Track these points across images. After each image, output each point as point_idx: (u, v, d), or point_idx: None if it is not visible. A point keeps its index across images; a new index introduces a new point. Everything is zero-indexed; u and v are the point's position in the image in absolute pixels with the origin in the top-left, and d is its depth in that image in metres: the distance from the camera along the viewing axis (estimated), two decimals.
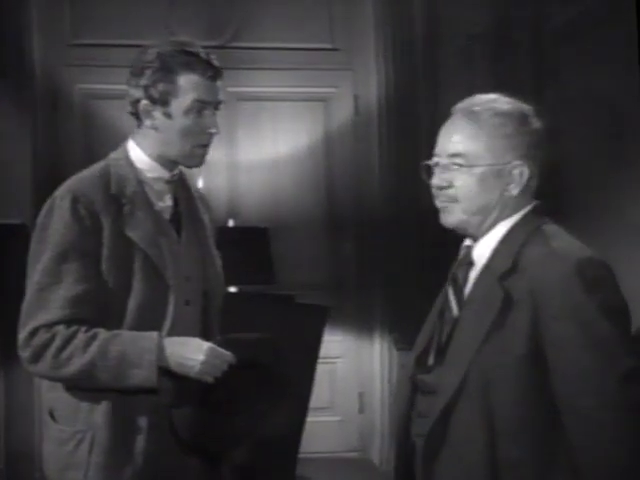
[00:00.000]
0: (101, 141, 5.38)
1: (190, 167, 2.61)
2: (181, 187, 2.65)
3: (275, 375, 2.53)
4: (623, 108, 3.74)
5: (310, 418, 4.96)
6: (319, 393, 5.34)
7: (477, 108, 2.21)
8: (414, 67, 5.70)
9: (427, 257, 5.56)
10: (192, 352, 2.41)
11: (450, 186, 2.21)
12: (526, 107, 2.23)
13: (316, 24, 5.89)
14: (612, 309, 2.06)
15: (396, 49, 5.80)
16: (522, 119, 2.20)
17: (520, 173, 2.18)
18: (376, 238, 5.87)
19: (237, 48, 5.56)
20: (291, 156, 5.89)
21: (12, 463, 5.21)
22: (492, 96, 2.25)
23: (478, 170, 2.18)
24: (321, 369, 5.15)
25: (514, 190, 2.18)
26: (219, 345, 2.45)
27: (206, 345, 2.43)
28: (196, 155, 2.56)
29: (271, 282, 5.30)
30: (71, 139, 5.61)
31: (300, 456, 4.93)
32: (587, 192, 3.91)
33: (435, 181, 2.23)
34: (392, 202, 5.78)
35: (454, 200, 2.21)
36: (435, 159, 2.23)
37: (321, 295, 5.66)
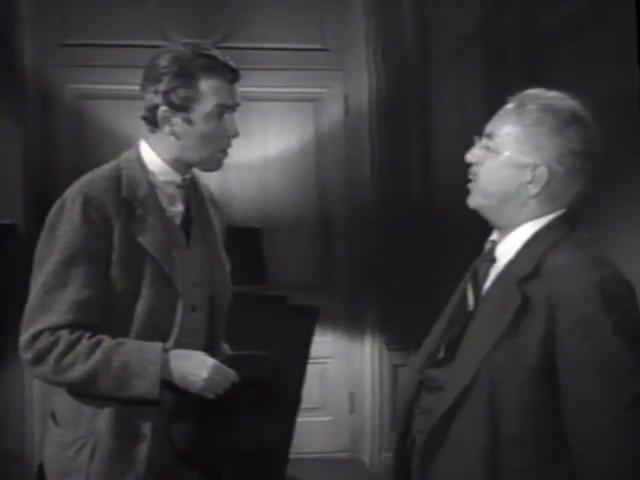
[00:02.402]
0: (92, 141, 5.37)
1: (209, 171, 2.58)
2: (193, 190, 2.61)
3: (275, 392, 2.52)
4: (621, 109, 3.73)
5: (301, 418, 4.96)
6: (310, 393, 5.34)
7: (528, 98, 2.18)
8: (405, 67, 5.71)
9: (418, 258, 5.56)
10: (196, 368, 2.39)
11: (477, 164, 2.21)
12: (583, 114, 2.17)
13: (307, 24, 5.89)
14: (628, 330, 2.02)
15: (387, 50, 5.80)
16: (567, 122, 2.14)
17: (540, 175, 2.14)
18: (367, 239, 5.88)
19: (227, 48, 5.52)
20: (281, 156, 5.89)
21: (4, 463, 5.19)
22: (552, 93, 2.20)
23: (502, 157, 2.17)
24: (312, 369, 5.14)
25: (533, 189, 2.15)
26: (222, 362, 2.44)
27: (210, 362, 2.40)
28: (216, 159, 2.53)
29: (263, 283, 5.30)
30: (62, 139, 5.58)
31: (291, 456, 4.92)
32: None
33: (467, 155, 2.23)
34: (383, 202, 5.78)
35: (476, 179, 2.21)
36: (477, 137, 2.23)
37: (312, 296, 5.66)
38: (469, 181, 2.24)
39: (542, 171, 2.13)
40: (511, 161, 2.16)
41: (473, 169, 2.22)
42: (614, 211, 3.81)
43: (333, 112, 5.97)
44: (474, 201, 2.24)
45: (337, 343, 5.92)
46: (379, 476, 5.57)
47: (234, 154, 5.97)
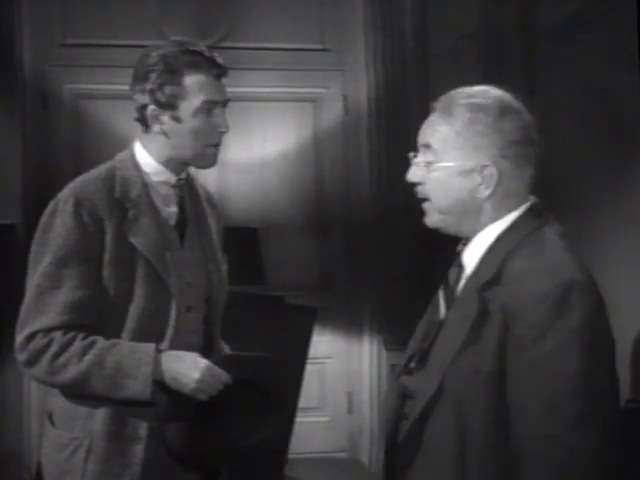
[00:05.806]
0: (90, 141, 5.37)
1: (203, 168, 2.57)
2: (188, 190, 2.61)
3: (272, 393, 2.51)
4: (621, 106, 3.74)
5: (299, 418, 4.96)
6: (308, 393, 5.34)
7: (453, 102, 2.09)
8: (404, 68, 5.70)
9: (416, 257, 5.56)
10: (188, 369, 2.38)
11: (422, 183, 2.12)
12: (511, 101, 2.08)
13: (306, 25, 5.89)
14: (582, 341, 1.92)
15: (386, 50, 5.80)
16: (500, 115, 2.05)
17: (490, 175, 2.05)
18: (365, 238, 5.88)
19: (227, 48, 5.54)
20: (280, 156, 5.89)
21: (3, 464, 5.18)
22: (475, 89, 2.12)
23: (445, 168, 2.08)
24: (310, 369, 5.15)
25: (485, 191, 2.06)
26: (217, 363, 2.43)
27: (203, 363, 2.40)
28: (208, 155, 2.52)
29: (261, 283, 5.30)
30: (60, 139, 5.58)
31: (289, 456, 4.93)
32: (584, 192, 3.91)
33: (408, 175, 2.14)
34: (381, 203, 5.79)
35: (427, 198, 2.13)
36: (412, 154, 2.14)
37: (310, 296, 5.66)
38: (422, 201, 2.15)
39: (491, 170, 2.05)
40: (455, 169, 2.07)
41: (419, 189, 2.13)
42: (614, 210, 3.81)
43: (332, 112, 5.97)
44: (431, 220, 2.15)
45: (336, 343, 5.92)
46: (377, 476, 5.56)
47: (233, 154, 5.97)
